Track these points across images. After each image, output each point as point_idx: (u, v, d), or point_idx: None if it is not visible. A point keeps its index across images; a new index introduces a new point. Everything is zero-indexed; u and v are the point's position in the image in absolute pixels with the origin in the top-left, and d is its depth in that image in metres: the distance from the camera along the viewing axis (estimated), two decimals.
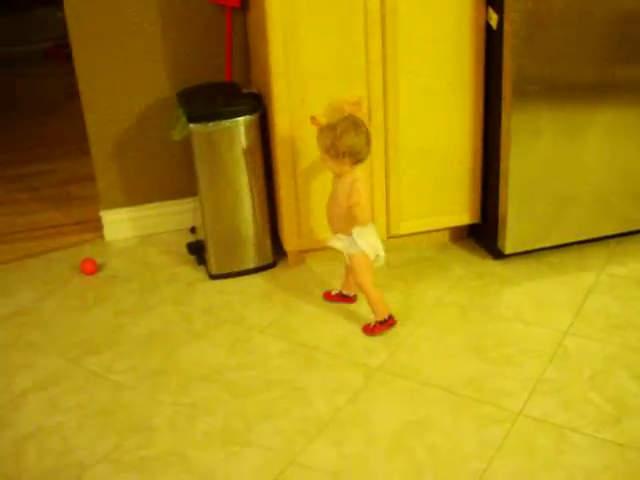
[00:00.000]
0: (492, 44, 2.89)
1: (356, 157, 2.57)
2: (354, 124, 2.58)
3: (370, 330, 2.76)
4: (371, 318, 2.78)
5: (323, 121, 2.74)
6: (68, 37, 3.27)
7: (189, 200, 3.48)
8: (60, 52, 6.95)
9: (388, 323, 2.76)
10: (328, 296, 2.97)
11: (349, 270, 2.84)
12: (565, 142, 2.94)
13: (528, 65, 2.79)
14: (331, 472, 2.13)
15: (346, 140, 2.53)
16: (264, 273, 3.18)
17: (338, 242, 2.73)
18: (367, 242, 2.67)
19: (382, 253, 2.70)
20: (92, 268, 3.31)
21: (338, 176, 2.66)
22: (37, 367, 2.69)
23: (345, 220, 2.67)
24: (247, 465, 2.18)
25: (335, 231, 2.74)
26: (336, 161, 2.59)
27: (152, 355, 2.72)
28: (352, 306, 2.91)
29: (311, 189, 3.02)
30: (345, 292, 2.94)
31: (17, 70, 7.00)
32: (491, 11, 2.83)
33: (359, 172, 2.63)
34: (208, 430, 2.33)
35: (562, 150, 2.95)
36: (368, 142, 2.59)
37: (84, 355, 2.74)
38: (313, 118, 2.79)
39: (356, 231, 2.65)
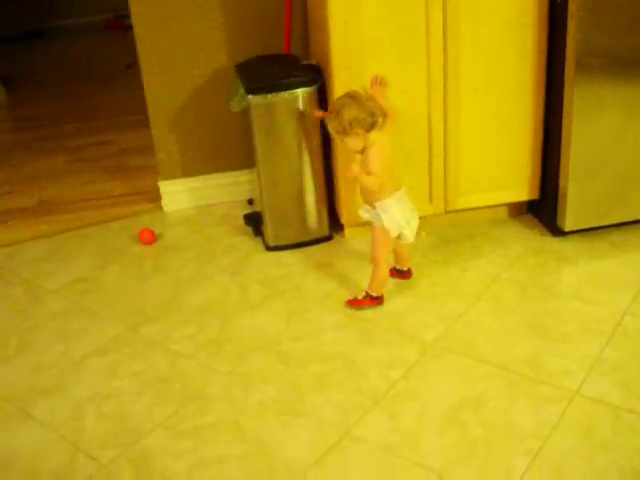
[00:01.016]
0: (556, 15, 2.82)
1: (365, 125, 2.55)
2: (350, 97, 2.59)
3: (357, 303, 2.77)
4: (358, 293, 2.80)
5: (322, 112, 2.74)
6: (128, 9, 3.29)
7: (247, 172, 3.49)
8: (120, 24, 7.02)
9: (377, 301, 2.77)
10: None
11: (397, 245, 2.82)
12: (629, 117, 2.87)
13: (593, 37, 2.72)
14: (385, 445, 2.13)
15: (347, 113, 2.53)
16: (321, 246, 3.18)
17: (365, 213, 2.74)
18: (390, 218, 2.65)
19: (407, 230, 2.68)
20: (150, 238, 3.35)
21: (361, 152, 2.64)
22: (96, 333, 2.75)
23: (366, 192, 2.67)
24: (301, 435, 2.19)
25: (364, 202, 2.74)
26: (350, 137, 2.58)
27: (209, 324, 2.75)
28: (408, 281, 2.90)
29: None
30: (399, 267, 2.92)
31: (77, 41, 7.09)
32: None
33: (375, 137, 2.59)
34: (263, 400, 2.35)
35: (626, 125, 2.88)
36: (372, 108, 2.56)
37: (142, 323, 2.78)
38: (312, 114, 2.85)
39: (380, 205, 2.64)
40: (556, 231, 3.10)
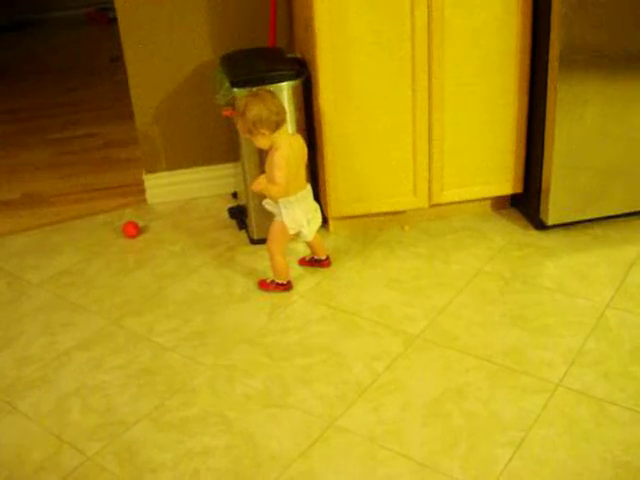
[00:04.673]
0: (540, 11, 2.84)
1: (270, 125, 2.60)
2: (253, 95, 2.64)
3: (265, 285, 2.89)
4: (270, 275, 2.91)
5: (230, 111, 2.78)
6: (110, 1, 3.28)
7: (231, 165, 3.49)
8: (103, 16, 7.00)
9: (282, 287, 2.87)
10: (303, 262, 3.03)
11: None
12: (612, 112, 2.89)
13: (576, 33, 2.74)
14: (369, 436, 2.15)
15: (249, 113, 2.59)
16: None
17: (268, 206, 2.80)
18: (290, 216, 2.72)
19: (306, 230, 2.76)
20: (134, 231, 3.35)
21: (268, 150, 2.70)
22: (81, 327, 2.74)
23: (272, 197, 2.73)
24: (286, 427, 2.20)
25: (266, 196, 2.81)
26: (258, 136, 2.63)
27: (193, 318, 2.75)
28: (392, 274, 2.91)
29: (354, 156, 3.01)
30: (316, 257, 2.99)
31: (60, 34, 7.06)
32: None
33: (282, 140, 2.65)
34: (247, 392, 2.36)
35: (609, 121, 2.90)
36: (277, 107, 2.61)
37: (126, 316, 2.78)
38: (224, 114, 2.85)
39: (282, 202, 2.71)
40: (539, 225, 3.12)
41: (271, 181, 2.64)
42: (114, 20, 3.35)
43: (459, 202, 3.22)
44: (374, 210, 3.15)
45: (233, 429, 2.21)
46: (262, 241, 3.14)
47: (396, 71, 2.89)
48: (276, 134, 2.63)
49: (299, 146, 2.74)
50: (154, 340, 2.64)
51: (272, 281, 2.87)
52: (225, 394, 2.36)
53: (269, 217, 3.12)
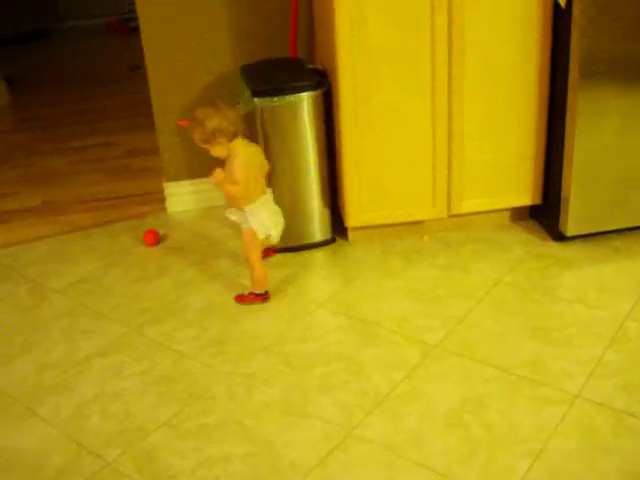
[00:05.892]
0: (560, 23, 2.85)
1: (227, 134, 2.65)
2: (212, 106, 2.68)
3: (242, 299, 2.90)
4: (246, 288, 2.91)
5: (185, 121, 2.79)
6: (132, 11, 3.31)
7: None
8: (124, 26, 7.05)
9: (261, 297, 2.88)
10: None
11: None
12: (632, 124, 2.89)
13: (597, 45, 2.74)
14: (388, 445, 2.15)
15: (209, 123, 2.63)
16: (324, 248, 3.20)
17: (232, 215, 2.84)
18: (258, 220, 2.76)
19: (274, 232, 2.81)
20: (154, 239, 3.37)
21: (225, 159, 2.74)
22: (101, 334, 2.76)
23: (231, 198, 2.77)
24: (305, 436, 2.21)
25: (228, 205, 2.84)
26: (215, 146, 2.68)
27: (212, 326, 2.76)
28: (411, 284, 2.92)
29: (374, 166, 3.02)
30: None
31: (81, 43, 7.12)
32: None
33: (239, 148, 2.70)
34: (266, 401, 2.37)
35: (629, 132, 2.90)
36: (234, 118, 2.66)
37: (146, 324, 2.80)
38: (179, 124, 2.89)
39: (248, 209, 2.75)
40: (558, 236, 3.11)
41: (232, 183, 2.69)
42: (135, 30, 3.37)
43: (478, 213, 3.22)
44: (393, 220, 3.16)
45: (252, 437, 2.22)
46: (281, 250, 3.17)
47: (416, 82, 2.90)
48: (233, 143, 2.68)
49: (257, 154, 2.79)
50: (174, 348, 2.66)
51: (250, 292, 2.89)
52: (244, 402, 2.37)
53: (288, 226, 3.13)
